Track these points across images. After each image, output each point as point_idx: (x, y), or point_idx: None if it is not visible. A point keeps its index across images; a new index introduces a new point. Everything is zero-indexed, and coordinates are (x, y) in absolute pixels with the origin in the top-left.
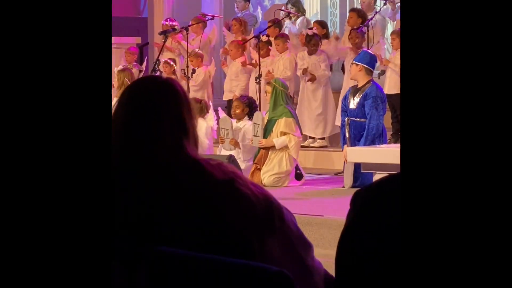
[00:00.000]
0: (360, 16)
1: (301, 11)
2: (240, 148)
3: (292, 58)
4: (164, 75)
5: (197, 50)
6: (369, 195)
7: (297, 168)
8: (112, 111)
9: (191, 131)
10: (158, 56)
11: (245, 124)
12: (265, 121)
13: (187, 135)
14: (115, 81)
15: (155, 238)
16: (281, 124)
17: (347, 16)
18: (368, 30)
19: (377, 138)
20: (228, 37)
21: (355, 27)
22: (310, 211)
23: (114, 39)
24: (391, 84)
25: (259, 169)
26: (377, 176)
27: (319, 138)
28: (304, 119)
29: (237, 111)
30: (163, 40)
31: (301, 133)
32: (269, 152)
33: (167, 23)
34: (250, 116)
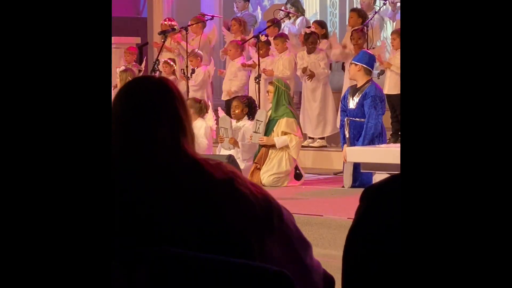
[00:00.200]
0: (361, 16)
1: (300, 11)
2: (239, 148)
3: (291, 58)
4: (164, 75)
5: (196, 50)
6: (379, 193)
7: (296, 168)
8: None
9: (189, 130)
10: (158, 56)
11: (245, 124)
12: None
13: (185, 134)
14: (117, 81)
15: (155, 238)
16: (282, 124)
17: (347, 16)
18: (367, 30)
19: (376, 138)
20: (228, 37)
21: (355, 27)
22: (309, 211)
23: (113, 39)
24: (391, 84)
25: (259, 169)
26: (377, 176)
27: (319, 138)
28: (303, 119)
29: (236, 111)
30: (162, 40)
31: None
32: (269, 152)
33: (166, 23)
34: (250, 116)
